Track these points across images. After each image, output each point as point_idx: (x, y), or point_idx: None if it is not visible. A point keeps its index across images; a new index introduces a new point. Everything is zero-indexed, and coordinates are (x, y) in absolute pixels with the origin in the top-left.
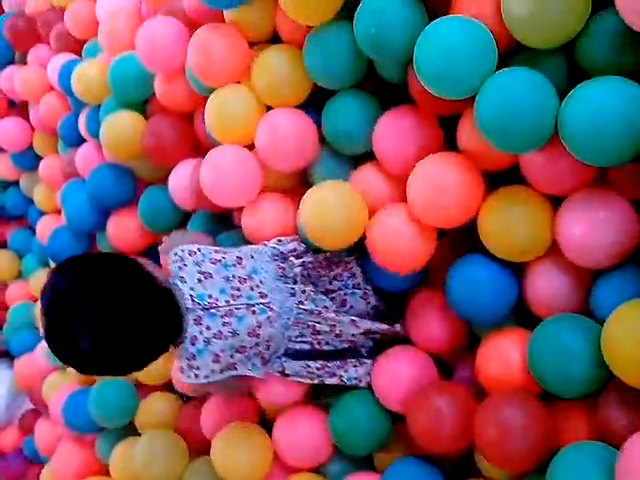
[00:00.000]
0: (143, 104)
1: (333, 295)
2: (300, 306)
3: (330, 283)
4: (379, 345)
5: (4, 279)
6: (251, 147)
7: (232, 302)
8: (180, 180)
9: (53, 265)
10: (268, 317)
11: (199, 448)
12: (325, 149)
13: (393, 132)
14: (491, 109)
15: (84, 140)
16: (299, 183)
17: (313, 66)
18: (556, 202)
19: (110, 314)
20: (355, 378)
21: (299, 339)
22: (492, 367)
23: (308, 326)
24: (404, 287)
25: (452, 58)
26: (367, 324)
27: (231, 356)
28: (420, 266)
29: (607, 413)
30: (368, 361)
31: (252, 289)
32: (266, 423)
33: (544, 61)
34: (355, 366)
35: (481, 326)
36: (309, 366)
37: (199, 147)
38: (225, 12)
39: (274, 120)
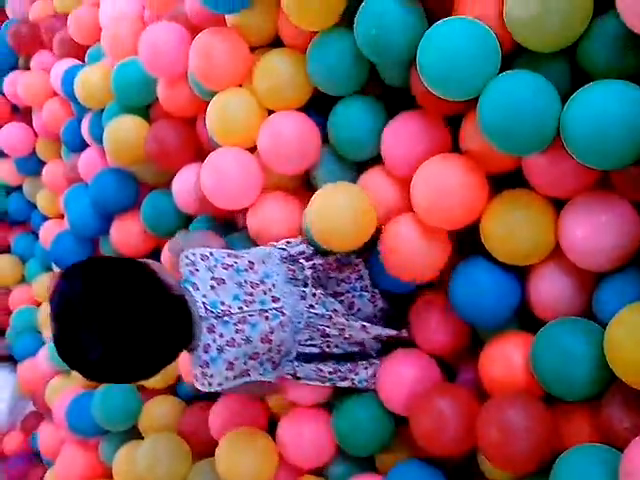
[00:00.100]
0: (146, 109)
1: (341, 298)
2: (311, 310)
3: (338, 285)
4: (386, 345)
5: (7, 284)
6: (252, 150)
7: (245, 308)
8: (183, 184)
9: (57, 270)
10: (280, 322)
11: (202, 451)
12: (327, 151)
13: (402, 136)
14: (494, 111)
15: (87, 145)
16: (301, 185)
17: (315, 72)
18: (558, 205)
19: (120, 324)
20: (366, 380)
21: (309, 342)
22: (495, 370)
23: (318, 330)
24: (409, 289)
25: (455, 59)
26: (377, 330)
27: (244, 363)
28: (435, 275)
29: (610, 415)
30: (377, 361)
31: (265, 293)
32: (275, 426)
33: (547, 64)
34: (366, 368)
35: (484, 329)
36: (321, 370)
37: (202, 152)
38: (227, 17)
39: (277, 123)
